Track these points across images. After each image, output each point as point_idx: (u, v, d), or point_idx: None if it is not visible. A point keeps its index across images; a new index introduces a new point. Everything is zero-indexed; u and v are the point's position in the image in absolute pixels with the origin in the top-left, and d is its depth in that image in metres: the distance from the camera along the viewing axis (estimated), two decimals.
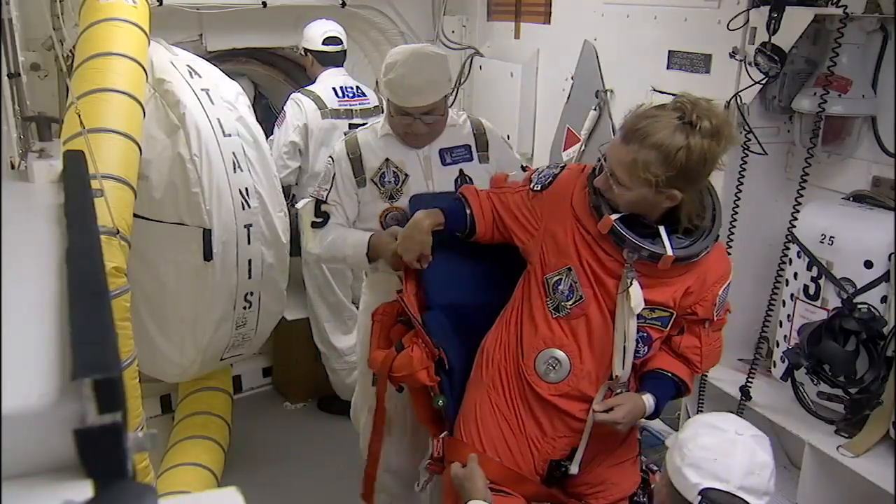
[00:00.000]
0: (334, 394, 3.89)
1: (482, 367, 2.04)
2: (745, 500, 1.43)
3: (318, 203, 2.36)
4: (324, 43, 3.61)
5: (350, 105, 3.62)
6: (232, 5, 3.46)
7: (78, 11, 2.75)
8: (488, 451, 1.96)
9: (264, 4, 3.50)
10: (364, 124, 3.56)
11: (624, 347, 1.87)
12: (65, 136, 2.09)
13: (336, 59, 3.66)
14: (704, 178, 1.78)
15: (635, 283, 1.80)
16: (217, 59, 3.56)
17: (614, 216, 1.78)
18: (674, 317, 1.90)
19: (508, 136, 2.52)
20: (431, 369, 2.03)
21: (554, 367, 1.91)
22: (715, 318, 1.95)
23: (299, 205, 2.49)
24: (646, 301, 1.82)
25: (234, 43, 3.72)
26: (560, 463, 1.95)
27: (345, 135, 2.48)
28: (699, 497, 1.43)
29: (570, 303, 1.88)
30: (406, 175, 2.34)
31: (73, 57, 2.64)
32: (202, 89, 3.00)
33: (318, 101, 3.54)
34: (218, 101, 3.03)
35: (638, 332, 1.87)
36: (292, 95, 3.60)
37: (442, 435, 2.11)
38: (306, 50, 3.67)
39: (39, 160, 1.54)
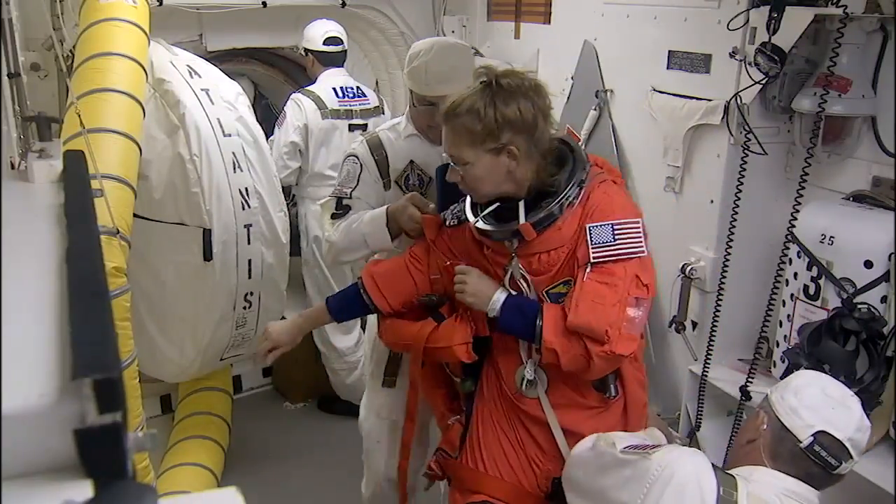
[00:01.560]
0: (334, 394, 3.89)
1: (483, 385, 2.03)
2: (849, 451, 1.48)
3: (340, 199, 2.32)
4: (324, 43, 3.61)
5: (350, 105, 3.62)
6: (232, 5, 3.46)
7: (78, 11, 2.75)
8: (489, 469, 1.94)
9: (264, 4, 3.50)
10: (364, 125, 3.58)
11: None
12: (65, 136, 2.09)
13: (336, 60, 3.67)
14: (534, 130, 1.76)
15: (510, 273, 1.84)
16: (217, 59, 3.56)
17: (474, 219, 1.85)
18: None
19: None
20: (470, 346, 1.97)
21: (531, 383, 1.89)
22: (591, 259, 1.73)
23: (321, 201, 2.45)
24: (553, 278, 1.82)
25: (234, 43, 3.73)
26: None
27: (350, 130, 2.46)
28: (811, 438, 1.48)
29: None
30: (430, 178, 2.31)
31: (73, 57, 2.65)
32: (202, 89, 3.01)
33: (318, 101, 3.54)
34: (218, 101, 3.03)
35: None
36: (292, 96, 3.60)
37: (452, 420, 2.11)
38: (307, 50, 3.67)
39: (39, 160, 1.54)
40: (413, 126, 2.35)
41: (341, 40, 3.66)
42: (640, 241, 1.77)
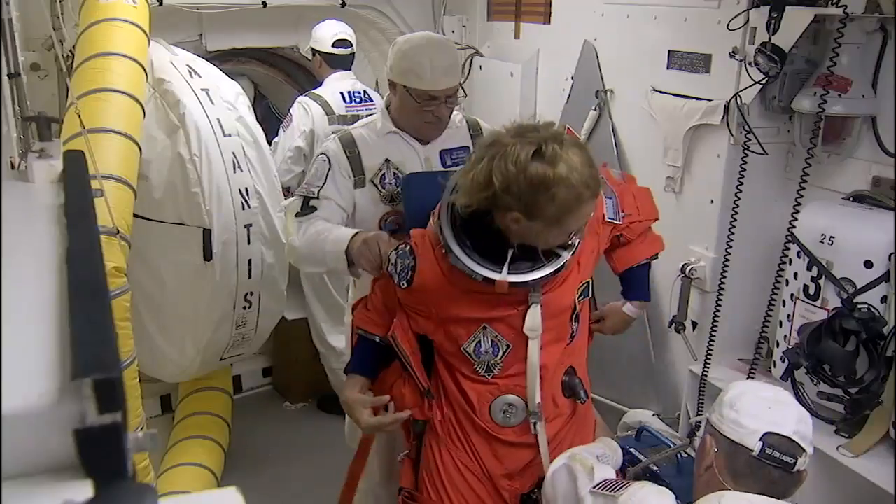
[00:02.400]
0: (334, 393, 3.88)
1: (437, 423, 1.93)
2: (799, 445, 1.48)
3: (307, 199, 2.24)
4: (334, 45, 3.56)
5: (357, 111, 3.53)
6: (232, 5, 3.46)
7: (78, 11, 2.75)
8: (456, 501, 1.89)
9: (264, 4, 3.50)
10: None
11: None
12: (65, 136, 2.09)
13: (345, 62, 3.61)
14: None
15: (534, 306, 1.74)
16: (217, 59, 3.56)
17: (503, 275, 1.68)
18: (590, 284, 1.89)
19: None
20: (424, 406, 1.93)
21: (512, 412, 1.84)
22: (622, 224, 2.00)
23: (284, 203, 2.39)
24: (565, 288, 1.81)
25: (234, 43, 3.72)
26: (530, 495, 1.89)
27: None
28: (760, 443, 1.48)
29: (500, 357, 1.80)
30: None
31: (73, 57, 2.65)
32: (202, 89, 3.01)
33: (325, 105, 3.48)
34: (218, 101, 3.03)
35: (572, 314, 1.84)
36: (299, 99, 3.55)
37: (402, 456, 2.07)
38: (314, 50, 3.63)
39: (39, 160, 1.53)
40: (392, 123, 2.31)
41: (350, 43, 3.61)
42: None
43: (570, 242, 1.73)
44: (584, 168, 1.58)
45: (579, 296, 1.86)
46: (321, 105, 3.49)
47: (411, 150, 2.32)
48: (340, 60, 3.61)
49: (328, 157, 2.28)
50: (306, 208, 2.24)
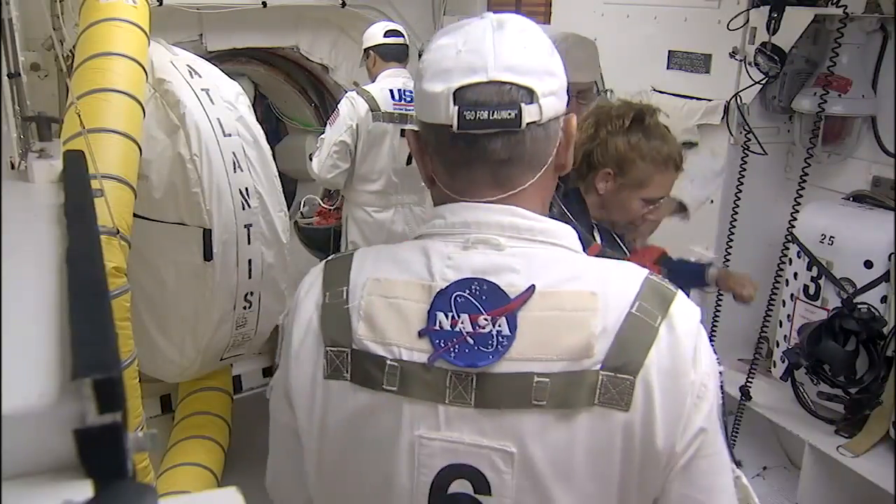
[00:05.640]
0: None
1: None
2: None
3: None
4: (385, 35, 3.49)
5: (406, 109, 3.43)
6: (232, 5, 3.46)
7: (78, 11, 2.75)
8: None
9: (264, 4, 3.50)
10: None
11: None
12: (65, 136, 2.09)
13: (399, 54, 3.53)
14: None
15: None
16: (217, 59, 3.55)
17: None
18: None
19: None
20: None
21: None
22: None
23: None
24: None
25: (234, 43, 3.72)
26: None
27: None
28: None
29: None
30: None
31: (73, 57, 2.65)
32: (202, 89, 3.00)
33: (371, 101, 3.40)
34: (218, 101, 3.02)
35: None
36: (347, 94, 3.49)
37: None
38: (367, 50, 3.55)
39: (39, 160, 1.53)
40: None
41: (402, 33, 3.53)
42: None
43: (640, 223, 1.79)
44: (673, 144, 1.75)
45: None
46: (367, 101, 3.39)
47: None
48: (394, 50, 3.50)
49: None
50: None
